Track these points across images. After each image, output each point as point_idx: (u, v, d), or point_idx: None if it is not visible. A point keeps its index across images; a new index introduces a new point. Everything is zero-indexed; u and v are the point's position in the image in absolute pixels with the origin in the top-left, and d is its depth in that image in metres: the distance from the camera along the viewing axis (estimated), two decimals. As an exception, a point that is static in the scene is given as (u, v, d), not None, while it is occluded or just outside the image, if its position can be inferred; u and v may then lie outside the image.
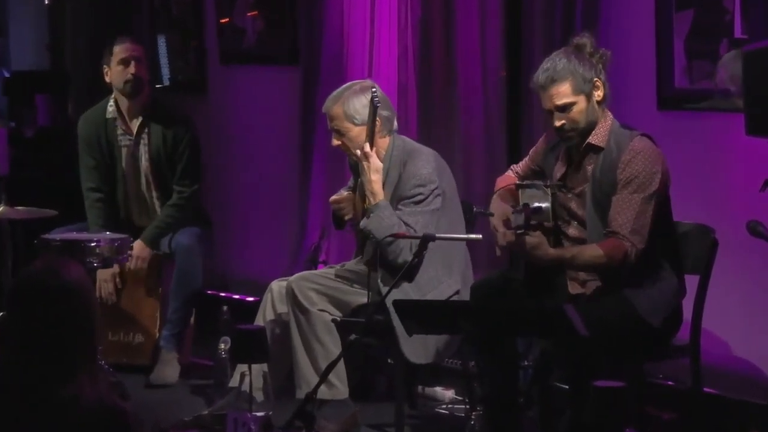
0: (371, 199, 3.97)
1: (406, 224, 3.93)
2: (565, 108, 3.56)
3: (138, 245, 4.79)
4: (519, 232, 3.44)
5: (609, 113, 3.65)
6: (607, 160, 3.56)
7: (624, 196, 3.50)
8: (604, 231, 3.52)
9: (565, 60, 3.56)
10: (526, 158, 3.88)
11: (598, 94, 3.58)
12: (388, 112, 4.09)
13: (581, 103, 3.56)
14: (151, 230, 4.84)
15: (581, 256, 3.50)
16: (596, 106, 3.59)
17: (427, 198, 3.98)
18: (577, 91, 3.55)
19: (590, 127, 3.59)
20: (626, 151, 3.53)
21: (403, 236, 3.84)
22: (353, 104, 4.04)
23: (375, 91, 3.95)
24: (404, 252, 3.89)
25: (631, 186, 3.50)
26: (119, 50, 4.86)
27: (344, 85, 4.18)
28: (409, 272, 3.86)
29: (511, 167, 3.93)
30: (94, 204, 4.96)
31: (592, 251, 3.49)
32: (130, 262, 4.79)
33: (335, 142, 4.12)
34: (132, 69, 4.83)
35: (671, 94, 4.14)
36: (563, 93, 3.54)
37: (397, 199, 4.02)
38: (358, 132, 4.03)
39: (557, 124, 3.58)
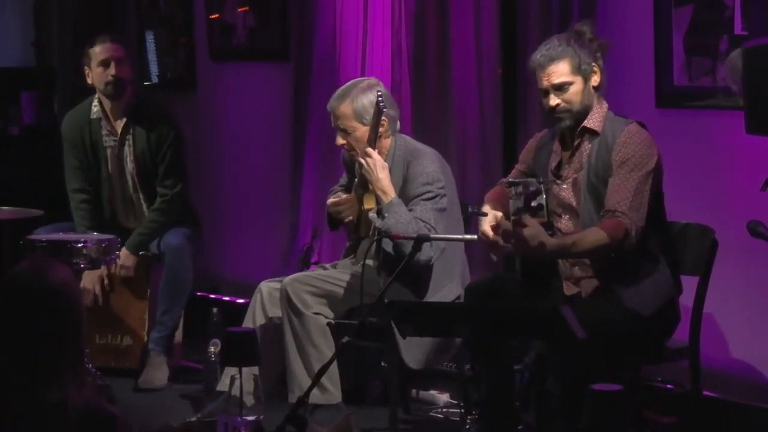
0: (383, 197, 3.91)
1: (423, 221, 3.88)
2: (562, 87, 3.58)
3: (123, 253, 4.74)
4: (516, 217, 3.36)
5: (604, 101, 3.66)
6: (603, 144, 3.58)
7: (620, 175, 3.50)
8: (601, 212, 3.50)
9: (565, 42, 3.60)
10: (516, 166, 3.87)
11: (595, 79, 3.62)
12: (393, 112, 4.05)
13: (578, 84, 3.58)
14: (135, 237, 4.79)
15: (584, 241, 3.45)
16: (592, 90, 3.61)
17: (436, 196, 3.95)
18: (575, 71, 3.58)
19: (584, 111, 3.61)
20: (621, 134, 3.55)
21: (398, 237, 3.78)
22: (362, 102, 3.99)
23: (380, 93, 3.89)
24: (425, 249, 3.82)
25: (626, 165, 3.50)
26: (99, 51, 4.79)
27: (349, 83, 4.13)
28: (413, 276, 3.82)
29: (500, 181, 3.91)
30: (80, 205, 4.91)
31: (594, 234, 3.45)
32: (116, 269, 4.73)
33: (340, 141, 4.06)
34: (112, 70, 4.76)
35: (670, 91, 4.11)
36: (561, 71, 3.57)
37: (405, 199, 3.98)
38: (365, 131, 3.99)
39: (552, 103, 3.59)
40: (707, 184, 4.06)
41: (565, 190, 3.62)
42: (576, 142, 3.62)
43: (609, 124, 3.59)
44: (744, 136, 3.51)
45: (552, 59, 3.57)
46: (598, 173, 3.55)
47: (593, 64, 3.60)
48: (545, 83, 3.59)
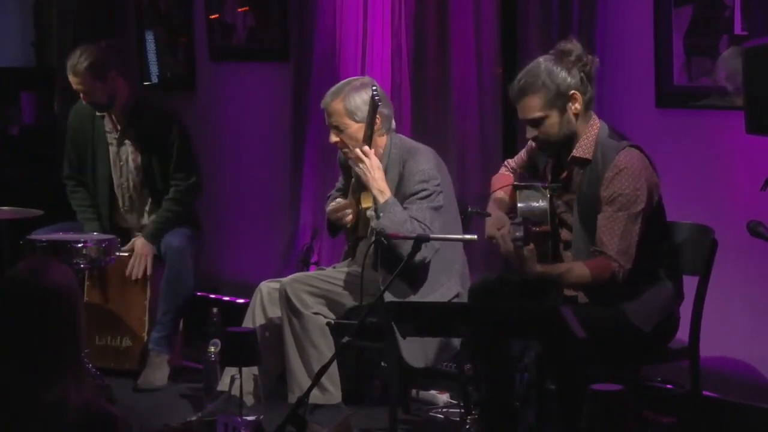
0: (379, 198, 3.92)
1: (417, 221, 3.88)
2: (537, 122, 3.51)
3: (140, 243, 4.75)
4: (518, 244, 3.38)
5: (596, 120, 3.57)
6: (593, 173, 3.51)
7: (609, 214, 3.46)
8: (592, 249, 3.48)
9: (542, 68, 3.49)
10: (522, 151, 3.84)
11: (575, 107, 3.51)
12: (387, 109, 4.05)
13: (553, 117, 3.50)
14: (151, 226, 4.79)
15: (569, 275, 3.47)
16: (572, 119, 3.52)
17: (431, 194, 3.95)
18: (548, 106, 3.48)
19: (567, 138, 3.53)
20: (610, 167, 3.47)
21: (396, 237, 3.78)
22: (354, 100, 3.99)
23: (375, 89, 3.90)
24: (422, 250, 3.82)
25: (615, 204, 3.45)
26: (69, 80, 4.76)
27: (343, 81, 4.14)
28: (409, 274, 3.82)
29: (506, 162, 3.89)
30: (75, 188, 4.94)
31: (579, 271, 3.46)
32: (133, 262, 4.70)
33: (334, 138, 4.06)
34: (83, 99, 4.75)
35: (670, 91, 4.10)
36: (534, 107, 3.49)
37: (401, 197, 3.99)
38: (357, 128, 3.99)
39: (529, 135, 3.55)
40: (707, 184, 4.05)
41: (559, 207, 3.61)
42: (569, 170, 3.57)
43: (600, 150, 3.50)
44: (744, 136, 3.51)
45: (524, 93, 3.47)
46: (590, 202, 3.51)
47: (573, 91, 3.47)
48: (520, 116, 3.54)
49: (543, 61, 3.52)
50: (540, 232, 3.50)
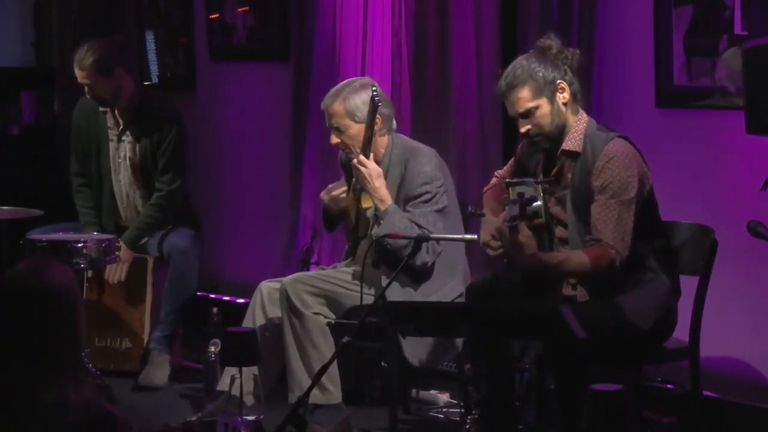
0: (379, 206, 3.93)
1: (419, 226, 3.88)
2: (528, 114, 3.53)
3: (120, 248, 4.72)
4: (513, 224, 3.37)
5: (583, 114, 3.60)
6: (584, 166, 3.53)
7: (602, 202, 3.47)
8: (587, 237, 3.48)
9: (525, 63, 3.53)
10: (510, 161, 3.85)
11: (563, 96, 3.54)
12: (387, 110, 4.05)
13: (544, 106, 3.52)
14: (131, 232, 4.79)
15: (568, 263, 3.47)
16: (562, 108, 3.55)
17: (434, 196, 3.96)
18: (537, 95, 3.51)
19: (558, 131, 3.55)
20: (600, 156, 3.49)
21: (397, 236, 3.78)
22: (354, 101, 3.99)
23: (375, 89, 3.90)
24: (422, 253, 3.83)
25: (607, 192, 3.47)
26: (75, 72, 4.77)
27: (343, 82, 4.14)
28: (411, 274, 3.82)
29: (496, 173, 3.89)
30: (80, 188, 4.93)
31: (579, 258, 3.46)
32: (111, 266, 4.72)
33: (334, 139, 4.07)
34: (87, 93, 4.76)
35: (670, 91, 4.10)
36: (523, 98, 3.52)
37: (403, 199, 3.99)
38: (358, 129, 3.99)
39: (522, 130, 3.56)
40: (707, 184, 4.05)
41: (552, 204, 3.62)
42: (560, 165, 3.58)
43: (589, 142, 3.53)
44: (744, 136, 3.51)
45: (512, 87, 3.51)
46: (583, 195, 3.52)
47: (559, 81, 3.52)
48: (512, 111, 3.56)
49: (524, 59, 3.56)
50: (536, 226, 3.50)
